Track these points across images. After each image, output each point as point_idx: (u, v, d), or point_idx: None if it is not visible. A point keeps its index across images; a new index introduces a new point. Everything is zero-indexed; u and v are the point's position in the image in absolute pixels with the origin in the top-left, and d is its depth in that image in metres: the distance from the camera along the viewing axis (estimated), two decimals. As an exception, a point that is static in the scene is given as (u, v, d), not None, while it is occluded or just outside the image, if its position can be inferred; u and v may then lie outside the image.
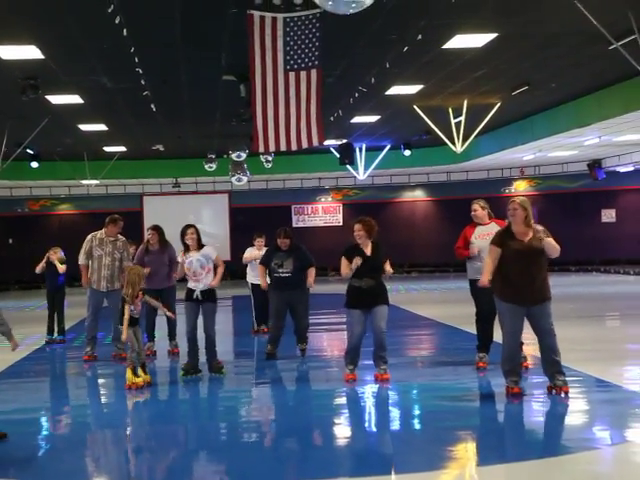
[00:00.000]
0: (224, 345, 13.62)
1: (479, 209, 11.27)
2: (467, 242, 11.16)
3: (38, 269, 15.70)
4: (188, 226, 11.77)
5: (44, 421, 9.45)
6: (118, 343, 12.85)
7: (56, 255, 15.62)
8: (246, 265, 16.13)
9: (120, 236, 13.42)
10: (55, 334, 15.56)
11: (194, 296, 11.40)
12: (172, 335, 13.58)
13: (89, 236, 13.44)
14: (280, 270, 12.87)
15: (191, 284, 11.45)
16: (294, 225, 35.64)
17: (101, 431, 8.93)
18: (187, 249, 11.58)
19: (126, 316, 10.60)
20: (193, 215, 34.04)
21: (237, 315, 21.65)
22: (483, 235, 10.98)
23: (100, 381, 12.42)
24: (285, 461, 7.34)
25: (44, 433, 8.92)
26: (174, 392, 10.95)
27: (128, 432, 8.85)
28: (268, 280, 13.24)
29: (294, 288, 12.81)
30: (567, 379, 9.35)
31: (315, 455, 7.56)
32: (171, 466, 7.44)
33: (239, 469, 7.06)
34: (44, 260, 15.56)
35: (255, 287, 15.47)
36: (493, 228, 10.83)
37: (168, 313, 12.01)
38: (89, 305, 13.44)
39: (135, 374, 10.59)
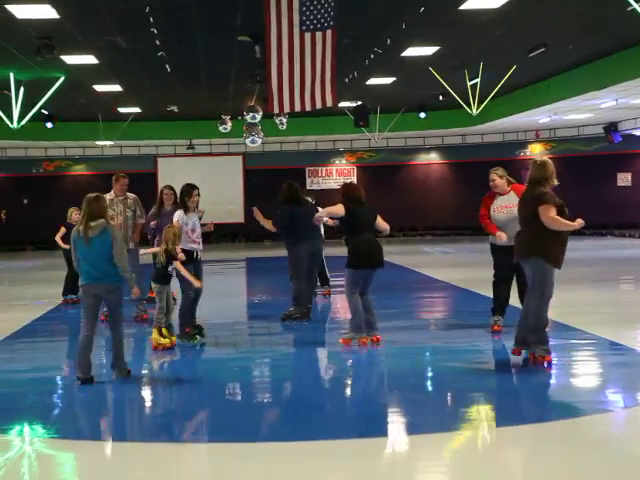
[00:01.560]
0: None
1: (497, 178, 11.02)
2: (487, 215, 11.05)
3: (60, 239, 15.17)
4: (193, 186, 11.46)
5: (59, 380, 9.50)
6: (139, 304, 12.84)
7: (77, 215, 15.48)
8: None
9: (130, 194, 13.23)
10: (70, 294, 15.43)
11: (198, 257, 11.30)
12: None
13: None
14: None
15: (190, 245, 11.06)
16: (308, 187, 35.62)
17: (120, 390, 8.97)
18: (187, 210, 11.27)
19: (182, 269, 10.44)
20: (206, 176, 34.11)
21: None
22: (502, 207, 10.89)
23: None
24: (300, 421, 7.37)
25: (60, 392, 8.98)
26: (195, 353, 10.92)
27: (148, 391, 8.92)
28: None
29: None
30: (581, 342, 9.36)
31: (328, 416, 7.62)
32: (186, 423, 7.50)
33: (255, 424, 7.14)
34: (62, 226, 15.30)
35: None
36: (512, 199, 10.76)
37: (197, 284, 10.69)
38: None
39: (161, 335, 10.52)
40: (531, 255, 8.92)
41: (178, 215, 11.22)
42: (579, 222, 8.88)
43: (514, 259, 9.38)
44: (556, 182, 9.03)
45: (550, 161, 9.14)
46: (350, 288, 10.70)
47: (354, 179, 34.90)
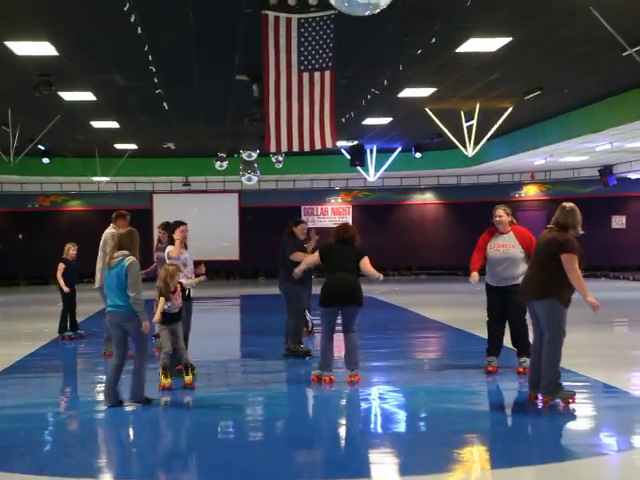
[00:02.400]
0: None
1: (504, 215, 11.09)
2: (482, 250, 11.09)
3: (61, 277, 15.11)
4: (182, 222, 11.50)
5: (51, 416, 9.46)
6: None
7: (74, 251, 15.44)
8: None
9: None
10: (68, 330, 15.33)
11: (190, 295, 11.35)
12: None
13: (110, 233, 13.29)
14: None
15: (182, 281, 10.88)
16: (303, 226, 35.65)
17: (109, 428, 8.93)
18: (181, 246, 11.26)
19: (158, 308, 10.15)
20: (202, 213, 34.18)
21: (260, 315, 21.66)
22: (499, 246, 10.95)
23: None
24: (293, 462, 7.36)
25: (51, 428, 8.93)
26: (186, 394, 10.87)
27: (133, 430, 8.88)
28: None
29: (310, 284, 12.84)
30: (575, 384, 9.34)
31: (321, 456, 7.58)
32: (177, 462, 7.46)
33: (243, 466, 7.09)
34: (61, 262, 15.28)
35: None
36: (511, 239, 10.88)
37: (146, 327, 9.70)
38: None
39: (165, 375, 10.17)
40: (546, 296, 8.91)
41: (167, 250, 11.28)
42: (595, 305, 8.84)
43: (520, 298, 9.35)
44: (580, 230, 9.07)
45: (577, 208, 9.14)
46: (321, 325, 10.86)
47: (349, 218, 34.96)
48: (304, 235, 13.26)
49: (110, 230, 13.15)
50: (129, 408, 9.30)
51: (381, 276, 11.02)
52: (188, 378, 10.24)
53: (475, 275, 11.02)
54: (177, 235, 11.28)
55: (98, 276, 12.82)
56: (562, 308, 8.91)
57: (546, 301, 8.93)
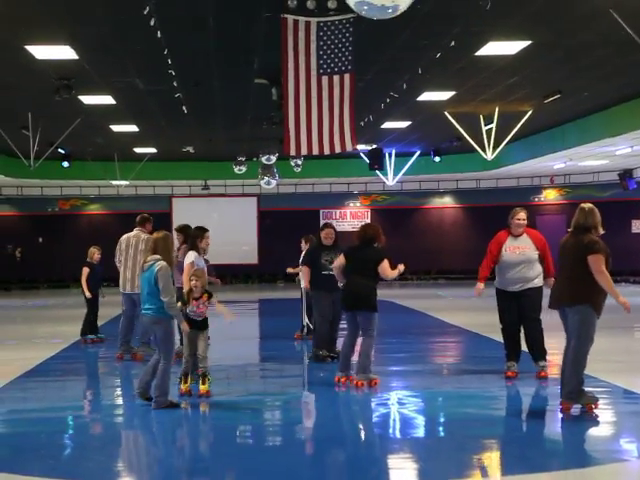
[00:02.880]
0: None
1: (525, 219, 11.16)
2: (495, 254, 11.06)
3: (85, 282, 15.12)
4: (205, 229, 11.77)
5: (72, 420, 9.48)
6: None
7: (98, 255, 15.44)
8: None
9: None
10: (89, 334, 15.37)
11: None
12: None
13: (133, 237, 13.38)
14: (330, 267, 12.29)
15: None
16: (322, 229, 35.66)
17: (130, 432, 8.95)
18: (198, 252, 11.44)
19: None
20: (221, 217, 34.23)
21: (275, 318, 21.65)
22: (515, 248, 10.95)
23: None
24: (309, 467, 7.35)
25: (71, 432, 8.96)
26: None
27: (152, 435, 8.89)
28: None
29: (337, 288, 12.27)
30: (595, 389, 9.28)
31: (339, 462, 7.57)
32: (197, 467, 7.46)
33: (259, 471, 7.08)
34: (85, 266, 15.29)
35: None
36: (525, 241, 10.88)
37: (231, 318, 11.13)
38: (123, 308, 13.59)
39: (184, 380, 10.08)
40: (579, 303, 8.79)
41: (192, 256, 11.28)
42: (627, 305, 8.76)
43: (551, 306, 9.18)
44: (601, 230, 8.99)
45: (597, 209, 9.07)
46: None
47: (368, 222, 34.92)
48: (330, 240, 12.95)
49: (136, 233, 13.16)
50: (151, 411, 9.30)
51: (399, 270, 10.93)
52: (203, 387, 9.97)
53: (481, 286, 10.97)
54: (203, 244, 11.40)
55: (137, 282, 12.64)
56: (594, 315, 8.79)
57: (578, 307, 8.80)
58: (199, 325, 10.03)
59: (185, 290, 10.21)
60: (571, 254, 8.97)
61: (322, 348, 12.71)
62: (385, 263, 10.80)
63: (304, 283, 12.99)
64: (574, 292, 8.83)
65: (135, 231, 13.30)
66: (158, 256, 9.39)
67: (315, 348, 12.84)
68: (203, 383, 9.96)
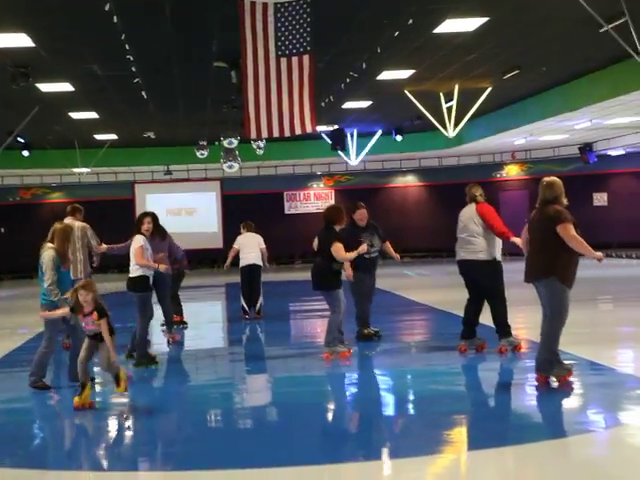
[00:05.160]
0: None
1: None
2: None
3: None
4: (146, 214, 11.94)
5: (38, 409, 9.42)
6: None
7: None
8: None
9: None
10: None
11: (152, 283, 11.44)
12: (169, 323, 13.57)
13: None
14: (372, 250, 12.38)
15: (146, 271, 11.22)
16: (286, 212, 35.68)
17: (98, 420, 8.92)
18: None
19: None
20: (184, 202, 34.18)
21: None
22: None
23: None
24: (284, 446, 7.29)
25: (39, 422, 8.90)
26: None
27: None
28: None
29: (376, 268, 12.38)
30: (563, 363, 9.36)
31: (309, 440, 7.56)
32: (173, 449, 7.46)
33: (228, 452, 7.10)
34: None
35: (243, 271, 16.07)
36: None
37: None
38: None
39: (80, 392, 8.80)
40: (546, 276, 8.85)
41: (140, 240, 11.34)
42: (600, 255, 8.89)
43: (525, 279, 9.22)
44: (565, 201, 8.99)
45: (559, 180, 9.10)
46: None
47: (332, 202, 34.93)
48: (363, 221, 12.64)
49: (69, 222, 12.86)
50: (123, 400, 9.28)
51: (358, 251, 11.10)
52: (119, 389, 8.85)
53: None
54: (143, 228, 11.49)
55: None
56: (564, 288, 8.84)
57: (547, 280, 8.85)
58: (96, 337, 8.83)
59: (72, 304, 8.91)
60: (538, 228, 9.02)
61: (366, 327, 12.70)
62: (335, 246, 10.93)
63: (347, 270, 12.01)
64: (544, 266, 8.88)
65: (67, 221, 12.93)
66: (50, 244, 9.80)
67: (360, 327, 12.74)
68: (118, 385, 8.80)
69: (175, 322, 14.35)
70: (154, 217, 12.39)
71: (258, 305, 16.25)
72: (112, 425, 8.54)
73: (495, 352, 11.02)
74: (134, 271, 11.18)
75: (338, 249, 10.93)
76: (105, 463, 7.21)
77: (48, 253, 9.70)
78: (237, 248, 16.29)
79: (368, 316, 12.77)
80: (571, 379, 9.07)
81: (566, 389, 8.89)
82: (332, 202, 34.15)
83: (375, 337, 12.75)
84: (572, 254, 8.82)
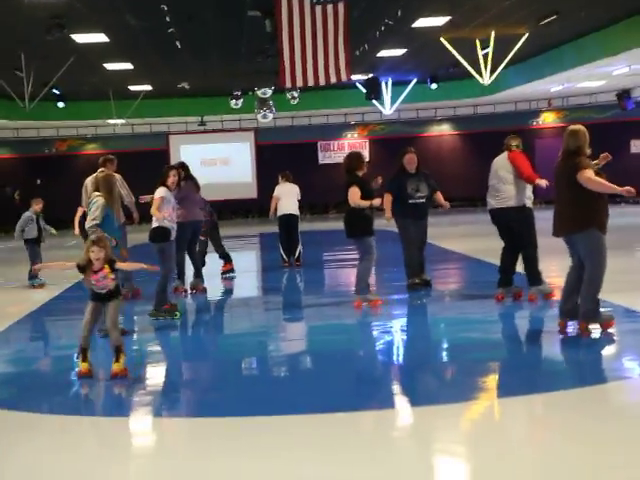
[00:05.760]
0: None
1: None
2: None
3: (77, 222, 14.22)
4: (172, 167, 11.94)
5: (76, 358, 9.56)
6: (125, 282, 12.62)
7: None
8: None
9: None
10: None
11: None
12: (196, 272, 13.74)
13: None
14: (417, 195, 12.30)
15: (166, 223, 11.17)
16: (320, 162, 35.69)
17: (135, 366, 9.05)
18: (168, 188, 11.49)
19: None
20: (219, 153, 34.30)
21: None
22: None
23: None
24: (318, 391, 7.39)
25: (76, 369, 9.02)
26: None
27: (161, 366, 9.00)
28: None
29: (425, 216, 12.33)
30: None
31: (344, 388, 7.61)
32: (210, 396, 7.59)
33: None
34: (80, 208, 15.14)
35: (281, 220, 16.27)
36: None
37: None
38: None
39: (82, 358, 8.10)
40: (585, 228, 8.76)
41: (162, 191, 11.33)
42: (627, 188, 8.72)
43: (555, 234, 9.11)
44: (589, 151, 8.90)
45: (583, 129, 8.96)
46: None
47: (366, 152, 34.90)
48: (413, 167, 12.48)
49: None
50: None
51: (372, 202, 11.07)
52: (117, 366, 7.99)
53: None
54: (169, 182, 11.43)
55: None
56: (600, 236, 8.79)
57: (586, 232, 8.77)
58: (105, 297, 8.20)
59: (82, 261, 8.16)
60: (564, 179, 8.92)
61: (414, 276, 12.56)
62: (351, 190, 10.94)
63: (387, 213, 12.24)
64: (576, 218, 8.80)
65: (99, 172, 13.02)
66: (98, 193, 10.31)
67: (407, 277, 12.63)
68: (117, 360, 8.01)
69: (226, 270, 15.35)
70: (180, 169, 12.43)
71: (297, 253, 16.51)
72: (149, 373, 8.68)
73: (526, 300, 11.06)
74: (154, 222, 11.22)
75: (353, 193, 10.91)
76: (140, 411, 7.27)
77: (98, 199, 10.21)
78: (278, 197, 16.43)
79: (416, 265, 12.56)
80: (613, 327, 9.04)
81: (604, 337, 8.87)
82: (365, 153, 34.17)
83: (422, 287, 12.60)
84: (602, 199, 8.77)
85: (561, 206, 9.07)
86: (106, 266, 8.07)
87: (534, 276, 11.12)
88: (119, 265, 8.26)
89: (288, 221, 16.35)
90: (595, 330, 8.93)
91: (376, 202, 11.11)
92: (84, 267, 8.09)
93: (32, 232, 15.74)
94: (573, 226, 8.86)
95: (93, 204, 10.21)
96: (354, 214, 11.07)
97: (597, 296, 8.92)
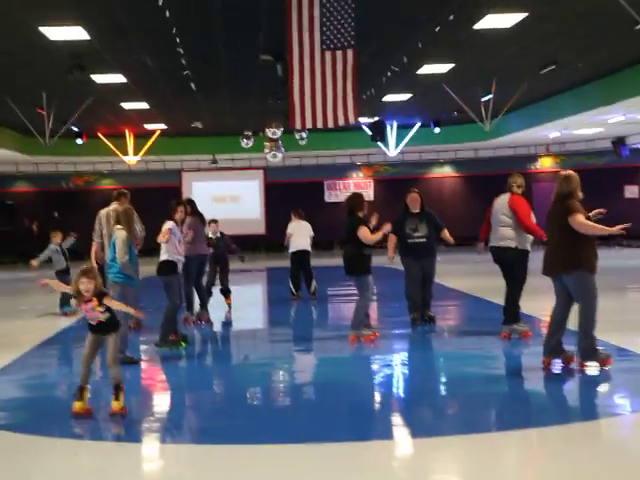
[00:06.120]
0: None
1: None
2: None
3: (93, 256, 14.27)
4: (180, 202, 12.40)
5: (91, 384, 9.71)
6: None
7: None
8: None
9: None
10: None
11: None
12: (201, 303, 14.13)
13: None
14: (416, 235, 12.73)
15: (173, 256, 11.62)
16: (326, 200, 36.14)
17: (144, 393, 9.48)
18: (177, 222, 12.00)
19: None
20: (229, 190, 34.80)
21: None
22: None
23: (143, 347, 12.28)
24: (320, 422, 7.59)
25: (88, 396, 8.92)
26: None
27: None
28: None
29: (427, 255, 12.66)
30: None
31: (341, 420, 7.77)
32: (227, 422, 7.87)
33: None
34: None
35: (293, 256, 16.90)
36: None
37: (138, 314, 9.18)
38: None
39: (79, 396, 7.88)
40: (574, 269, 8.96)
41: (169, 224, 11.81)
42: (619, 227, 9.05)
43: (545, 273, 9.30)
44: (581, 195, 9.16)
45: (575, 174, 9.23)
46: None
47: (371, 192, 35.40)
48: (416, 207, 12.99)
49: (114, 207, 13.09)
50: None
51: (383, 231, 11.48)
52: (116, 404, 7.78)
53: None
54: (177, 216, 11.96)
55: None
56: (590, 276, 8.99)
57: (576, 273, 8.96)
58: (99, 329, 7.96)
59: (72, 290, 7.97)
60: (555, 222, 9.17)
61: (414, 312, 12.91)
62: (361, 230, 11.26)
63: (389, 252, 12.83)
64: (566, 259, 9.01)
65: (113, 205, 13.09)
66: (120, 226, 10.37)
67: (410, 313, 13.02)
68: (116, 398, 7.78)
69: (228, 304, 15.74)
70: (187, 205, 12.82)
71: (312, 287, 17.13)
72: (157, 400, 9.05)
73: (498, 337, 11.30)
74: (161, 255, 11.61)
75: (364, 232, 11.23)
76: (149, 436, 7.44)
77: (121, 233, 10.30)
78: (291, 233, 17.15)
79: (417, 300, 12.87)
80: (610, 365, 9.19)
81: (600, 374, 9.03)
82: (369, 193, 34.66)
83: (422, 322, 12.89)
84: (591, 241, 9.03)
85: (552, 247, 9.31)
86: (94, 299, 7.78)
87: (510, 315, 11.32)
88: (107, 301, 7.85)
89: (300, 257, 16.98)
90: (593, 368, 9.13)
91: (386, 228, 11.57)
92: (76, 295, 7.87)
93: (60, 264, 16.25)
94: (563, 268, 9.08)
95: (117, 238, 10.28)
96: (352, 253, 11.39)
97: (593, 332, 9.12)
